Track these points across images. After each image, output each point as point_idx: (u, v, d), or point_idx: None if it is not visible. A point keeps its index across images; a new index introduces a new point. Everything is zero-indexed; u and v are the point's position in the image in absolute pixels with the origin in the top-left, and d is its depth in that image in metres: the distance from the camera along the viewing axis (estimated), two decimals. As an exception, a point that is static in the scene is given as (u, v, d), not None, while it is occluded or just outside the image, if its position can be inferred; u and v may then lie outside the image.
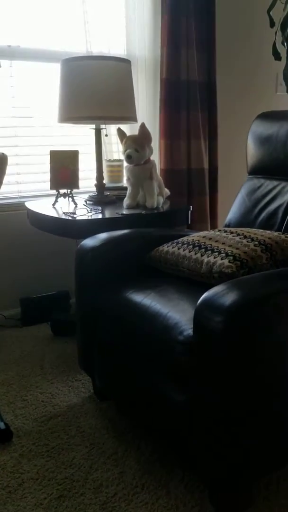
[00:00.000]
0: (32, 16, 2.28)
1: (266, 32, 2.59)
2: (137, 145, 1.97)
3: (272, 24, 2.40)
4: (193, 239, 1.60)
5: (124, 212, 1.99)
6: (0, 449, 1.50)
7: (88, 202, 2.17)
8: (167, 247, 1.64)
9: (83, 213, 1.96)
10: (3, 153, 1.49)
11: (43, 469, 1.41)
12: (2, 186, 1.57)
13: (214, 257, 1.45)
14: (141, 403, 1.42)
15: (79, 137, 2.54)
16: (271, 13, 2.38)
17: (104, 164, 2.33)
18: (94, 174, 2.24)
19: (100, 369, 1.62)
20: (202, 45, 2.53)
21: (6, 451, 1.49)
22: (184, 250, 1.56)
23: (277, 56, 2.46)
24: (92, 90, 1.94)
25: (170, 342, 1.26)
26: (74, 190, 2.16)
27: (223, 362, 1.09)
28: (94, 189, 2.22)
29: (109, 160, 2.44)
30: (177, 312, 1.33)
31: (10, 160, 1.90)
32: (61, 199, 2.15)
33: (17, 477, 1.38)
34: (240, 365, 1.09)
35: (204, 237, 1.60)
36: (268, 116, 1.96)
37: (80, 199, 2.19)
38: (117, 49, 2.53)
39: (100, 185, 2.18)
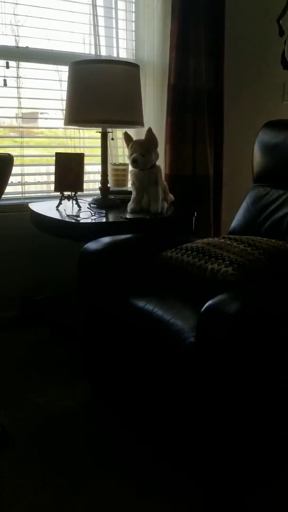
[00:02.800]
0: (41, 18, 2.27)
1: (275, 41, 2.59)
2: (143, 150, 1.96)
3: (281, 33, 2.39)
4: (197, 246, 1.59)
5: (128, 216, 1.97)
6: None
7: (92, 205, 2.15)
8: (171, 253, 1.63)
9: (87, 216, 1.95)
10: (9, 154, 1.48)
11: (39, 475, 1.38)
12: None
13: (218, 265, 1.44)
14: (143, 409, 1.40)
15: (85, 140, 2.53)
16: (280, 22, 2.38)
17: (109, 167, 2.32)
18: (98, 177, 2.22)
19: (101, 374, 1.60)
20: (210, 52, 2.52)
21: (2, 456, 1.47)
22: (188, 256, 1.55)
23: (285, 65, 2.46)
24: (100, 94, 1.93)
25: (173, 350, 1.25)
26: (78, 193, 2.15)
27: (227, 370, 1.07)
28: (99, 192, 2.21)
29: (114, 164, 2.42)
30: (179, 319, 1.32)
31: (15, 161, 1.89)
32: (65, 202, 2.13)
33: (13, 483, 1.35)
34: (243, 373, 1.07)
35: (208, 244, 1.59)
36: (275, 125, 1.95)
37: (84, 202, 2.18)
38: (126, 54, 2.52)
39: (104, 188, 2.17)
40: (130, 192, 2.12)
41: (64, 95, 2.29)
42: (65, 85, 2.16)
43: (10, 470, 1.40)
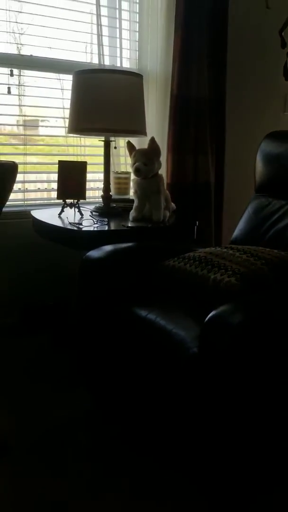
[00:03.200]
0: (44, 27, 2.29)
1: (277, 53, 2.61)
2: (146, 159, 1.96)
3: (283, 45, 2.41)
4: (199, 255, 1.59)
5: (130, 225, 1.98)
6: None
7: (94, 213, 2.16)
8: (174, 262, 1.63)
9: (89, 224, 1.95)
10: (13, 162, 1.49)
11: (38, 487, 1.37)
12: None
13: (221, 274, 1.43)
14: (144, 418, 1.40)
15: (86, 148, 2.54)
16: (283, 33, 2.40)
17: (112, 176, 2.32)
18: (101, 186, 2.23)
19: (101, 383, 1.59)
20: (213, 63, 2.54)
21: (1, 466, 1.45)
22: (190, 265, 1.55)
23: (287, 76, 2.47)
24: (104, 103, 1.94)
25: (175, 360, 1.24)
26: (81, 201, 2.15)
27: (230, 380, 1.07)
28: (101, 200, 2.21)
29: (117, 172, 2.43)
30: (182, 329, 1.31)
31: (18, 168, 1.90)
32: (67, 209, 2.14)
33: (11, 496, 1.34)
34: (246, 383, 1.07)
35: (211, 253, 1.59)
36: (278, 136, 1.96)
37: (87, 210, 2.18)
38: (129, 64, 2.54)
39: (106, 196, 2.17)
40: (132, 201, 2.12)
41: (66, 103, 2.30)
42: (67, 94, 2.17)
43: (9, 482, 1.38)
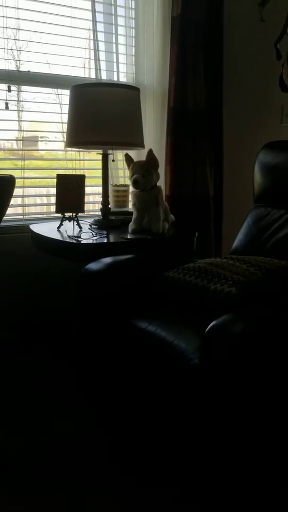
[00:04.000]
0: (42, 43, 2.31)
1: (273, 64, 2.63)
2: (144, 171, 1.96)
3: (278, 56, 2.44)
4: (199, 266, 1.58)
5: (129, 237, 1.97)
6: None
7: (93, 226, 2.15)
8: (173, 273, 1.62)
9: (88, 236, 1.95)
10: (11, 175, 1.49)
11: (37, 504, 1.34)
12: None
13: (221, 285, 1.42)
14: (145, 431, 1.37)
15: (85, 162, 2.55)
16: (278, 45, 2.42)
17: (110, 188, 2.33)
18: (99, 199, 2.23)
19: (102, 397, 1.58)
20: (209, 76, 2.56)
21: (1, 482, 1.42)
22: (190, 276, 1.54)
23: (283, 87, 2.49)
24: (101, 116, 1.95)
25: (177, 371, 1.22)
26: (80, 214, 2.15)
27: (232, 390, 1.05)
28: (100, 213, 2.21)
29: (115, 185, 2.44)
30: (183, 340, 1.30)
31: (16, 183, 1.90)
32: (66, 223, 2.13)
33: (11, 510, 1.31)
34: (249, 392, 1.05)
35: (210, 264, 1.58)
36: (275, 146, 1.97)
37: (85, 223, 2.18)
38: (126, 78, 2.56)
39: (105, 209, 2.17)
40: (131, 213, 2.12)
41: (64, 118, 2.31)
42: (65, 109, 2.18)
43: (5, 502, 1.35)
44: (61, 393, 1.94)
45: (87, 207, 2.39)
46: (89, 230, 2.06)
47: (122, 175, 2.53)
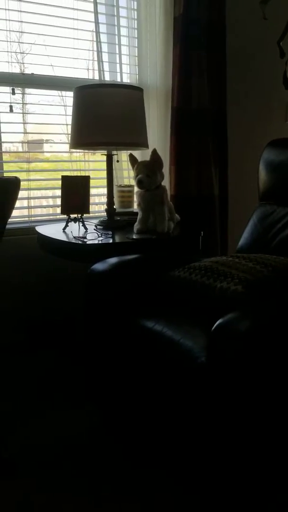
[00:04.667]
0: (46, 45, 2.32)
1: (276, 62, 2.62)
2: (148, 171, 1.96)
3: (282, 54, 2.42)
4: (205, 265, 1.58)
5: (134, 237, 1.97)
6: (1, 483, 1.44)
7: (98, 226, 2.16)
8: (179, 272, 1.62)
9: (94, 237, 1.95)
10: (16, 177, 1.49)
11: (46, 505, 1.34)
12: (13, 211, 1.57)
13: (227, 283, 1.42)
14: (152, 431, 1.37)
15: (89, 163, 2.55)
16: (281, 43, 2.41)
17: (115, 189, 2.33)
18: (104, 199, 2.23)
19: (109, 397, 1.58)
20: (213, 75, 2.56)
21: (9, 486, 1.43)
22: (196, 275, 1.54)
23: (287, 85, 2.48)
24: (105, 117, 1.95)
25: (184, 370, 1.22)
26: (85, 215, 2.15)
27: (239, 388, 1.05)
28: (105, 214, 2.22)
29: (120, 186, 2.44)
30: (189, 339, 1.30)
31: (21, 185, 1.91)
32: (71, 224, 2.14)
33: None
34: (255, 390, 1.05)
35: (216, 262, 1.58)
36: (279, 144, 1.96)
37: (91, 224, 2.18)
38: (129, 79, 2.56)
39: (110, 210, 2.17)
40: (136, 213, 2.12)
41: (68, 120, 2.32)
42: (69, 111, 2.19)
43: (19, 500, 1.36)
44: (68, 394, 1.94)
45: (92, 208, 2.39)
46: (95, 231, 2.06)
47: (126, 175, 2.53)
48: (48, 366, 2.20)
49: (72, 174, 2.42)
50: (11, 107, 2.26)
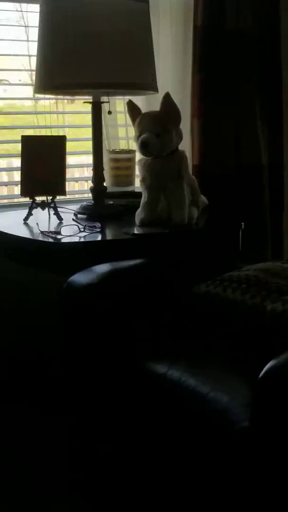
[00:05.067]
0: None
1: None
2: (158, 128, 1.97)
3: None
4: (247, 275, 1.61)
5: (136, 232, 1.99)
6: None
7: (79, 215, 2.17)
8: (207, 286, 1.64)
9: (72, 232, 1.96)
10: None
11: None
12: None
13: (283, 304, 1.43)
14: None
15: (66, 116, 2.57)
16: None
17: (106, 157, 2.34)
18: (89, 173, 2.24)
19: (105, 481, 1.60)
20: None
21: None
22: (234, 291, 1.56)
23: None
24: (90, 43, 1.96)
25: (216, 438, 1.24)
26: (58, 198, 2.16)
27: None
28: (90, 195, 2.22)
29: (114, 151, 2.45)
30: (223, 393, 1.31)
31: None
32: (37, 211, 2.15)
33: None
34: None
35: (266, 271, 1.61)
36: None
37: (68, 212, 2.19)
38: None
39: (98, 189, 2.18)
40: (138, 194, 2.13)
41: (33, 48, 2.33)
42: (34, 34, 2.19)
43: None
44: (40, 478, 1.95)
45: (70, 186, 2.40)
46: (74, 222, 2.07)
47: (124, 135, 2.55)
48: (13, 427, 2.21)
49: (39, 134, 2.43)
50: None
